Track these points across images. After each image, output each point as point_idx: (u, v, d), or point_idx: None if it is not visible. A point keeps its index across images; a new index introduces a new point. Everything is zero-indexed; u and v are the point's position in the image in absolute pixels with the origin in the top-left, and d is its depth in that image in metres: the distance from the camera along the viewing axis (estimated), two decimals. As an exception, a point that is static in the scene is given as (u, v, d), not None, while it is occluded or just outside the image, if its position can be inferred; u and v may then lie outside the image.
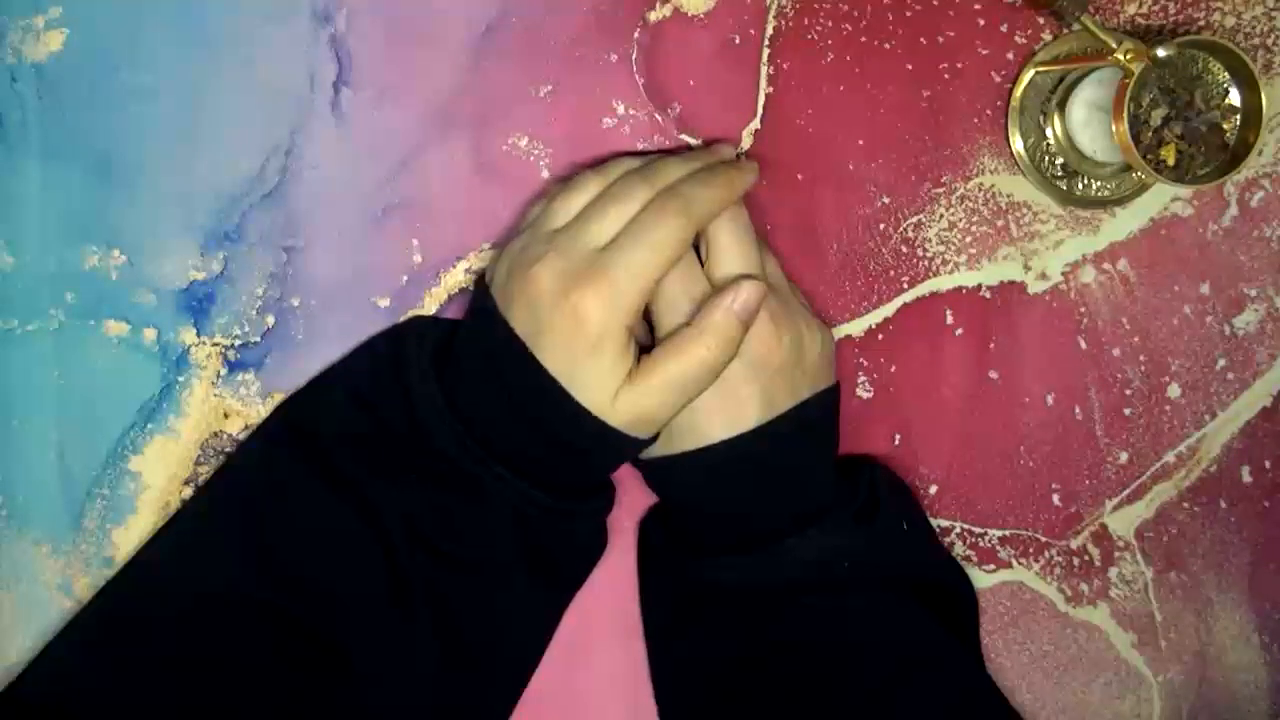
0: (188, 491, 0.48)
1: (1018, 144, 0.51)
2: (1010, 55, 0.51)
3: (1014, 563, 0.52)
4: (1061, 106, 0.50)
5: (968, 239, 0.51)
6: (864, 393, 0.51)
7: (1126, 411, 0.52)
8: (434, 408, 0.43)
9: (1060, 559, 0.52)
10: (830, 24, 0.50)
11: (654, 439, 0.44)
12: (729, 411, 0.44)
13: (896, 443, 0.52)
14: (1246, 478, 0.53)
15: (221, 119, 0.48)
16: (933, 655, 0.46)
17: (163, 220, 0.48)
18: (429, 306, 0.49)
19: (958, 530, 0.52)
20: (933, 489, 0.52)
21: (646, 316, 0.44)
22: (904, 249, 0.51)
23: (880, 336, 0.51)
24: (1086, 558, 0.52)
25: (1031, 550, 0.52)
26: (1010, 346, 0.51)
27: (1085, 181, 0.51)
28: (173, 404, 0.48)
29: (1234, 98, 0.48)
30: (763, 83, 0.50)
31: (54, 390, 0.48)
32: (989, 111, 0.51)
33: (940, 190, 0.51)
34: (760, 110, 0.50)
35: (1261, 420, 0.53)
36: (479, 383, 0.43)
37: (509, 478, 0.43)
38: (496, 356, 0.42)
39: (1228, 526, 0.53)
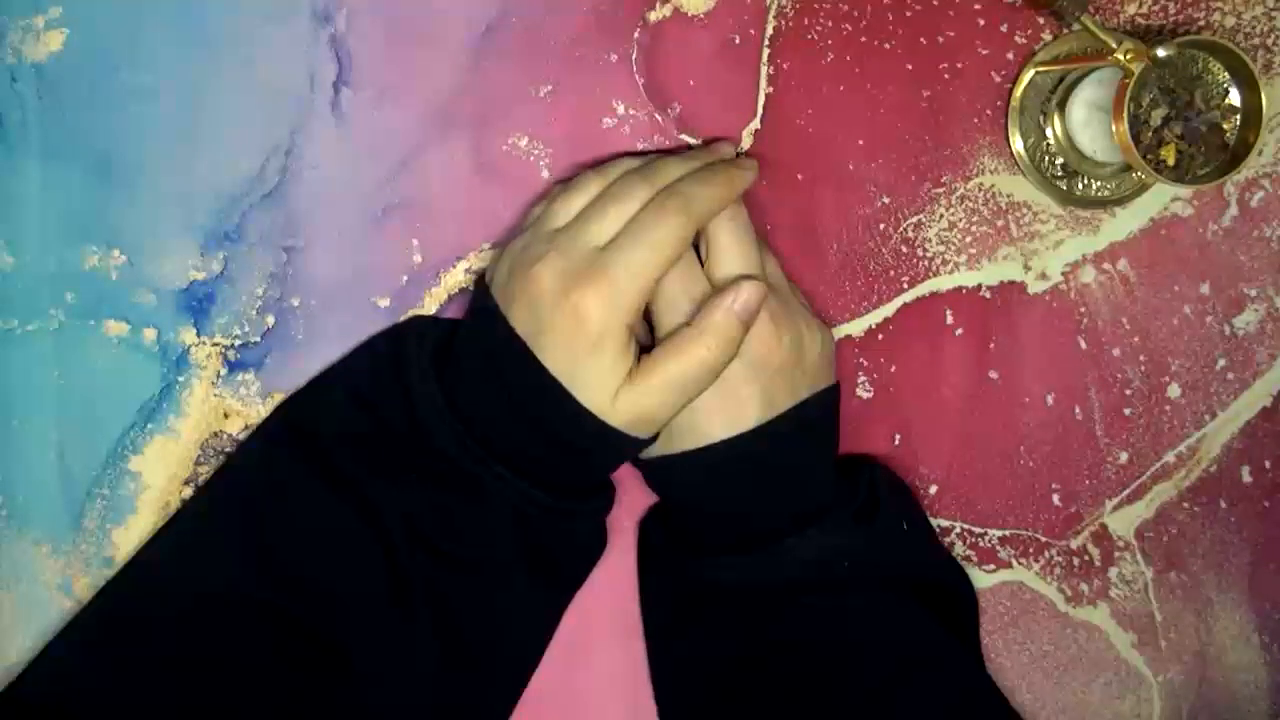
0: (188, 491, 0.48)
1: (1018, 144, 0.51)
2: (1010, 55, 0.51)
3: (1014, 563, 0.52)
4: (1061, 106, 0.50)
5: (968, 239, 0.51)
6: (864, 393, 0.51)
7: (1126, 411, 0.52)
8: (434, 407, 0.43)
9: (1060, 559, 0.52)
10: (830, 24, 0.50)
11: (654, 439, 0.44)
12: (729, 411, 0.44)
13: (896, 443, 0.52)
14: (1246, 478, 0.53)
15: (221, 119, 0.48)
16: (933, 655, 0.46)
17: (163, 220, 0.48)
18: (429, 306, 0.49)
19: (958, 530, 0.52)
20: (933, 489, 0.52)
21: (646, 316, 0.44)
22: (904, 249, 0.51)
23: (880, 336, 0.51)
24: (1086, 558, 0.52)
25: (1031, 550, 0.52)
26: (1010, 346, 0.51)
27: (1085, 181, 0.51)
28: (173, 404, 0.48)
29: (1234, 98, 0.48)
30: (763, 83, 0.50)
31: (54, 390, 0.48)
32: (989, 111, 0.51)
33: (940, 190, 0.51)
34: (760, 110, 0.50)
35: (1261, 420, 0.53)
36: (479, 382, 0.43)
37: (509, 477, 0.43)
38: (497, 356, 0.42)
39: (1228, 526, 0.53)
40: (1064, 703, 0.53)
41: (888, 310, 0.51)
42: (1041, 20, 0.51)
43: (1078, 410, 0.52)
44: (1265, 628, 0.53)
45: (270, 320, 0.49)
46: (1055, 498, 0.52)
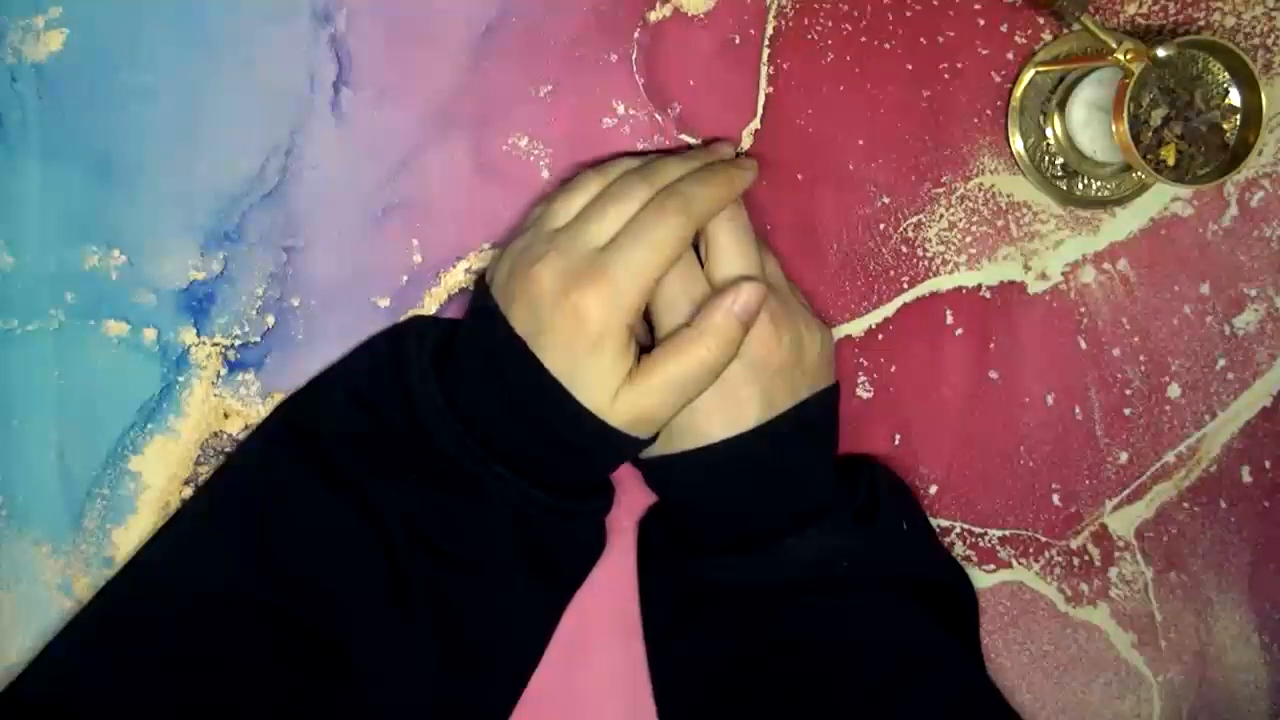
0: (188, 491, 0.48)
1: (1018, 144, 0.51)
2: (1010, 55, 0.51)
3: (1014, 563, 0.52)
4: (1061, 106, 0.50)
5: (968, 239, 0.51)
6: (864, 393, 0.51)
7: (1126, 411, 0.52)
8: (434, 407, 0.43)
9: (1060, 559, 0.52)
10: (830, 24, 0.50)
11: (654, 439, 0.44)
12: (729, 411, 0.44)
13: (896, 443, 0.52)
14: (1246, 478, 0.53)
15: (221, 119, 0.48)
16: (933, 655, 0.46)
17: (163, 220, 0.48)
18: (429, 306, 0.49)
19: (958, 530, 0.52)
20: (933, 489, 0.52)
21: (646, 316, 0.44)
22: (904, 249, 0.51)
23: (880, 336, 0.51)
24: (1086, 558, 0.52)
25: (1031, 550, 0.52)
26: (1010, 346, 0.51)
27: (1085, 181, 0.51)
28: (173, 404, 0.48)
29: (1234, 98, 0.48)
30: (763, 83, 0.50)
31: (54, 390, 0.48)
32: (989, 111, 0.51)
33: (940, 190, 0.51)
34: (760, 110, 0.50)
35: (1261, 420, 0.53)
36: (479, 382, 0.43)
37: (509, 477, 0.43)
38: (497, 356, 0.42)
39: (1228, 526, 0.53)
40: (1064, 703, 0.53)
41: (888, 310, 0.51)
42: (1041, 20, 0.51)
43: (1078, 410, 0.52)
44: (1265, 628, 0.53)
45: (270, 320, 0.49)
46: (1055, 498, 0.52)
